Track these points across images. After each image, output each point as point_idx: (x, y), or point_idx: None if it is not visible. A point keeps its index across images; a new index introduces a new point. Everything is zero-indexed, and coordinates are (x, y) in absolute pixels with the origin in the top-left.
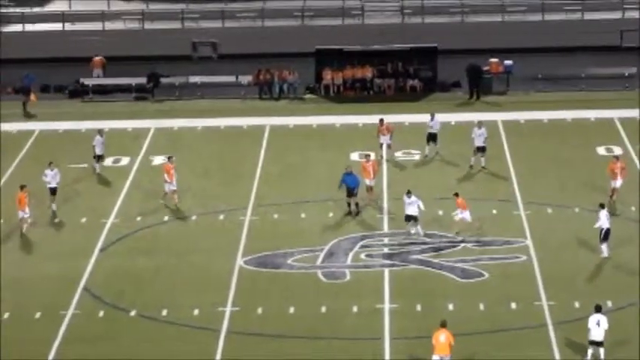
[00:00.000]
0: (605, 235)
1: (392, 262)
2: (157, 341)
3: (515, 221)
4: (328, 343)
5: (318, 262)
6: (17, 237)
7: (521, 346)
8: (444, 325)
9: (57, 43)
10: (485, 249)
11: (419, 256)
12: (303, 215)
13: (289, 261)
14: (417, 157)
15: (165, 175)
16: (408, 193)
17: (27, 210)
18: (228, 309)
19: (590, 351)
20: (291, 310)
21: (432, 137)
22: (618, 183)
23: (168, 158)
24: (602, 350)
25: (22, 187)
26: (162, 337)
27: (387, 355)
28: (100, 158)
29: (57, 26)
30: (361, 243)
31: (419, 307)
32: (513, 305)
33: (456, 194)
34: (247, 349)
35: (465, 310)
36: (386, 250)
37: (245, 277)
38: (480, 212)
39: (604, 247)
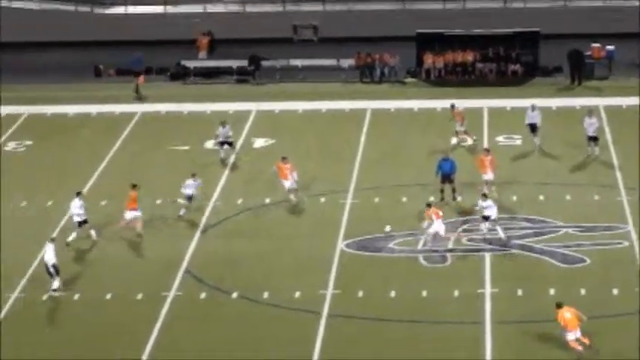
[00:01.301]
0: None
1: (493, 246)
2: (257, 323)
3: (617, 207)
4: (428, 327)
5: (419, 246)
6: (118, 218)
7: (622, 332)
8: (560, 305)
9: (159, 25)
10: (586, 235)
11: (520, 241)
12: (404, 199)
13: (390, 245)
14: (518, 142)
15: (279, 173)
16: (484, 196)
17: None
18: (329, 292)
19: None
20: (392, 293)
21: (533, 128)
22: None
23: (282, 159)
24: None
25: (133, 186)
26: (263, 319)
27: (487, 340)
28: (227, 145)
29: (159, 9)
30: (462, 227)
31: (520, 292)
32: (615, 291)
33: (428, 205)
34: (348, 332)
35: (565, 296)
36: (487, 234)
37: (346, 260)
38: (581, 198)
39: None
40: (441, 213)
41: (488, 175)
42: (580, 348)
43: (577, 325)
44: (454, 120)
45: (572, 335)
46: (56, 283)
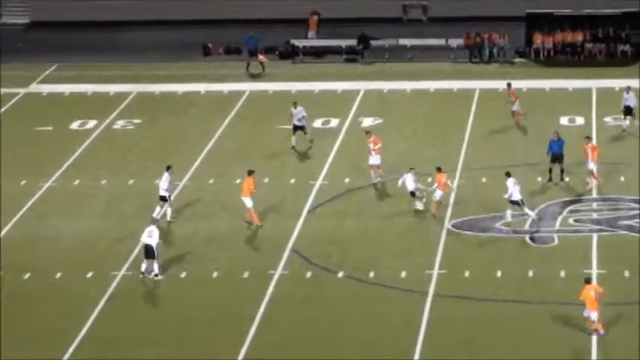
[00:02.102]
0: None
1: (600, 227)
2: (363, 302)
3: None
4: (534, 307)
5: (526, 226)
6: (226, 196)
7: None
8: (589, 281)
9: (268, 4)
10: None
11: (628, 222)
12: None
13: (497, 225)
14: (627, 122)
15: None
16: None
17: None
18: (435, 272)
19: None
20: (498, 273)
21: (628, 111)
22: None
23: (366, 133)
24: None
25: (250, 173)
26: (369, 298)
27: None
28: (298, 129)
29: None
30: (570, 208)
31: (627, 273)
32: None
33: (438, 169)
34: (453, 312)
35: None
36: (594, 215)
37: (452, 240)
38: None
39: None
40: (444, 180)
41: (590, 165)
42: (602, 331)
43: (595, 307)
44: (510, 100)
45: (595, 315)
46: (156, 267)
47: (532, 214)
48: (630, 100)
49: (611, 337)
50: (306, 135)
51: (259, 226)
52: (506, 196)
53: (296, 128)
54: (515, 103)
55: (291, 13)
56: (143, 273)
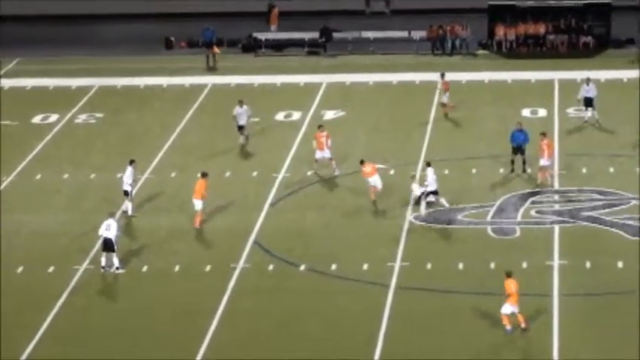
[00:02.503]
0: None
1: (562, 218)
2: (325, 295)
3: None
4: (496, 299)
5: (489, 217)
6: (188, 190)
7: None
8: (510, 275)
9: None
10: None
11: (590, 213)
12: (473, 171)
13: (459, 217)
14: (589, 114)
15: (314, 143)
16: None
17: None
18: (398, 264)
19: None
20: (460, 266)
21: (588, 102)
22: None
23: (318, 127)
24: None
25: (203, 175)
26: (331, 291)
27: (555, 312)
28: (241, 129)
29: None
30: (532, 199)
31: (588, 265)
32: None
33: (361, 162)
34: (416, 304)
35: (635, 269)
36: (556, 206)
37: (414, 232)
38: None
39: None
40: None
41: (543, 161)
42: (509, 326)
43: (517, 301)
44: (442, 90)
45: (509, 309)
46: (116, 260)
47: (446, 204)
48: (590, 92)
49: (573, 328)
50: (242, 136)
51: (198, 228)
52: (426, 183)
53: (241, 128)
54: (446, 94)
55: (253, 7)
56: (104, 267)
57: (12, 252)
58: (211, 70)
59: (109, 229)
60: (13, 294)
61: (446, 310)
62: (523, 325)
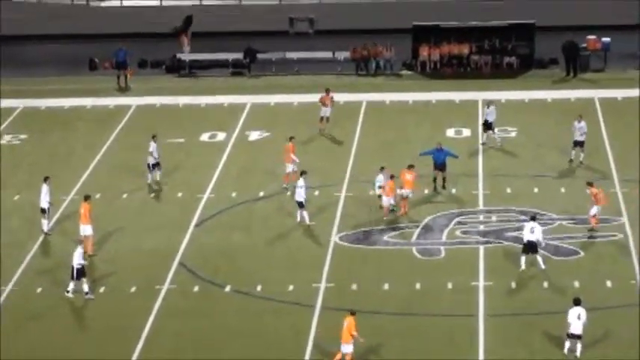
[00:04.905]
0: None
1: (487, 239)
2: (251, 316)
3: (611, 199)
4: (422, 319)
5: (414, 238)
6: (112, 211)
7: (616, 324)
8: (353, 313)
9: (154, 18)
10: (580, 227)
11: (514, 234)
12: (398, 191)
13: (384, 237)
14: (512, 135)
15: (291, 156)
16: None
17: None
18: (323, 285)
19: (567, 344)
20: (386, 286)
21: (487, 125)
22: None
23: (290, 139)
24: (579, 344)
25: (86, 198)
26: (256, 312)
27: (480, 333)
28: (155, 167)
29: (155, 2)
30: (457, 220)
31: (513, 285)
32: (609, 283)
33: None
34: (341, 325)
35: (559, 288)
36: (481, 227)
37: (340, 253)
38: (576, 190)
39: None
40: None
41: (405, 191)
42: None
43: (350, 340)
44: (325, 105)
45: (347, 348)
46: (86, 287)
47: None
48: (490, 115)
49: (499, 349)
50: (154, 172)
51: (91, 255)
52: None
53: (153, 166)
54: (327, 109)
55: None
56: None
57: None
58: (122, 90)
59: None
60: None
61: (371, 332)
62: None
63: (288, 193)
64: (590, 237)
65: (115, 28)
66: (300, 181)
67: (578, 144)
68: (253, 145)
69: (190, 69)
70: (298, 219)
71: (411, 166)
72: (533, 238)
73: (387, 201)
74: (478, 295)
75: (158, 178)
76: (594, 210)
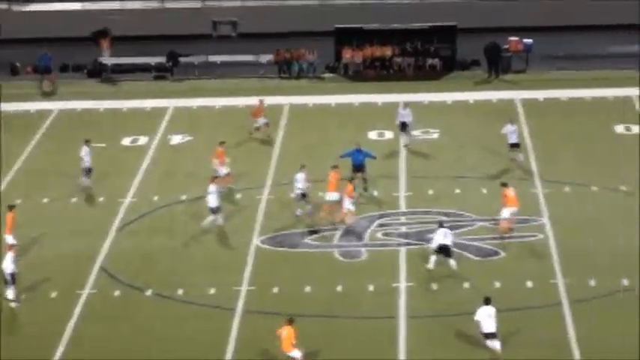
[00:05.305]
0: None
1: (408, 240)
2: (172, 320)
3: (532, 199)
4: (344, 322)
5: (335, 240)
6: (34, 216)
7: (536, 324)
8: (291, 321)
9: (76, 22)
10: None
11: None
12: (320, 194)
13: (306, 240)
14: (435, 136)
15: (216, 161)
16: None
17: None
18: (244, 288)
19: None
20: (307, 289)
21: (403, 126)
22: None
23: (220, 143)
24: (497, 342)
25: (10, 208)
26: (178, 316)
27: (402, 334)
28: (88, 172)
29: (76, 5)
30: (378, 222)
31: (435, 286)
32: (529, 284)
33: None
34: (263, 328)
35: (480, 289)
36: (403, 228)
37: (261, 256)
38: (497, 191)
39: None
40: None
41: (332, 196)
42: None
43: (288, 348)
44: (259, 115)
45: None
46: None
47: (220, 220)
48: (406, 117)
49: (420, 350)
50: (85, 179)
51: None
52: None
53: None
54: (259, 118)
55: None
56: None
57: None
58: (47, 95)
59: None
60: None
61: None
62: None
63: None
64: (502, 239)
65: (36, 32)
66: (212, 187)
67: (514, 146)
68: (175, 149)
69: (112, 73)
70: (206, 223)
71: (335, 167)
72: (447, 242)
73: (348, 203)
74: (399, 296)
75: (89, 184)
76: (505, 213)
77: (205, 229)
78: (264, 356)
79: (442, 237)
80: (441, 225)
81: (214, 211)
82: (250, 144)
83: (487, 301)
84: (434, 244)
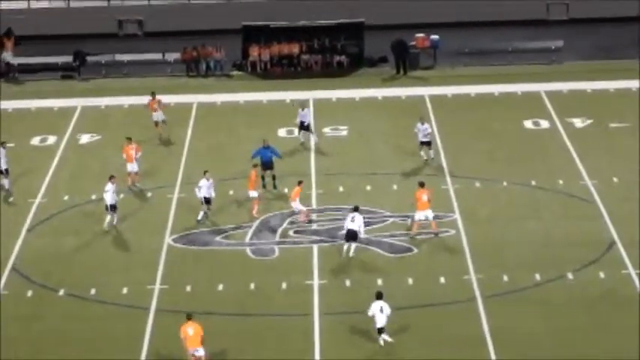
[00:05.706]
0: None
1: (320, 238)
2: (85, 320)
3: (443, 195)
4: (257, 319)
5: (247, 239)
6: None
7: (450, 320)
8: (190, 317)
9: None
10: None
11: None
12: (231, 192)
13: (217, 238)
14: (344, 133)
15: (125, 156)
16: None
17: None
18: (157, 287)
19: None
20: (220, 287)
21: (303, 127)
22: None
23: (127, 139)
24: (385, 335)
25: None
26: (90, 315)
27: (316, 331)
28: (6, 173)
29: None
30: (290, 219)
31: (348, 283)
32: (442, 279)
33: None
34: (176, 327)
35: (393, 285)
36: (314, 226)
37: (173, 255)
38: (408, 187)
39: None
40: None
41: (253, 194)
42: None
43: (198, 344)
44: (154, 110)
45: (200, 352)
46: None
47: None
48: (306, 117)
49: (334, 347)
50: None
51: None
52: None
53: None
54: (157, 114)
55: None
56: None
57: None
58: None
59: None
60: None
61: (206, 332)
62: None
63: (122, 195)
64: (413, 237)
65: None
66: (108, 185)
67: (425, 144)
68: (84, 149)
69: (19, 73)
70: (106, 224)
71: (255, 166)
72: (354, 227)
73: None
74: (313, 294)
75: (7, 186)
76: (418, 215)
77: (109, 230)
78: (179, 355)
79: (350, 221)
80: (355, 209)
81: (112, 208)
82: (159, 143)
83: (379, 296)
84: (345, 227)
